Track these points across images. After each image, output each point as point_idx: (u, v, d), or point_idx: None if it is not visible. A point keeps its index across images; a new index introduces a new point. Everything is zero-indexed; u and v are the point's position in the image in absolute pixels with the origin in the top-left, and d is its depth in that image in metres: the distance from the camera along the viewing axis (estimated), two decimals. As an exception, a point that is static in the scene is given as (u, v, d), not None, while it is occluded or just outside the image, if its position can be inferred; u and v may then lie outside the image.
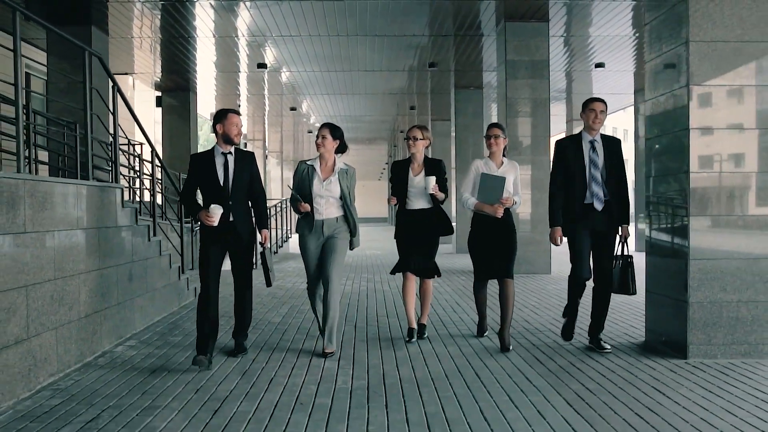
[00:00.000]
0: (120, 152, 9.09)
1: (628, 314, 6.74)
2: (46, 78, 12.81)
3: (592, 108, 5.06)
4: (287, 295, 8.51)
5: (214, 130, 4.86)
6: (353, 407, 3.81)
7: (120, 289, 5.65)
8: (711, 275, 4.91)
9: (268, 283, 5.20)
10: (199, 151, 7.37)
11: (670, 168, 5.18)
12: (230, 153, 4.89)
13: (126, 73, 14.71)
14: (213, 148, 4.89)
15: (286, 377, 4.48)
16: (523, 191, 8.18)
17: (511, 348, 5.23)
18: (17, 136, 4.25)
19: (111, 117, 6.15)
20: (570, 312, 5.33)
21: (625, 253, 5.12)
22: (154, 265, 6.62)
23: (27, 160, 7.10)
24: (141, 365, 4.83)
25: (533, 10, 10.21)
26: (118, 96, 6.20)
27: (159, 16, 10.55)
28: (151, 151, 7.58)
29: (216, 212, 4.66)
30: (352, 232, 5.26)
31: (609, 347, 5.20)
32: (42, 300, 4.29)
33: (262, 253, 5.15)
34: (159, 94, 16.48)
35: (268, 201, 6.19)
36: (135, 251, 6.07)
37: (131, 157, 10.93)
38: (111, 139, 6.39)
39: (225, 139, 4.84)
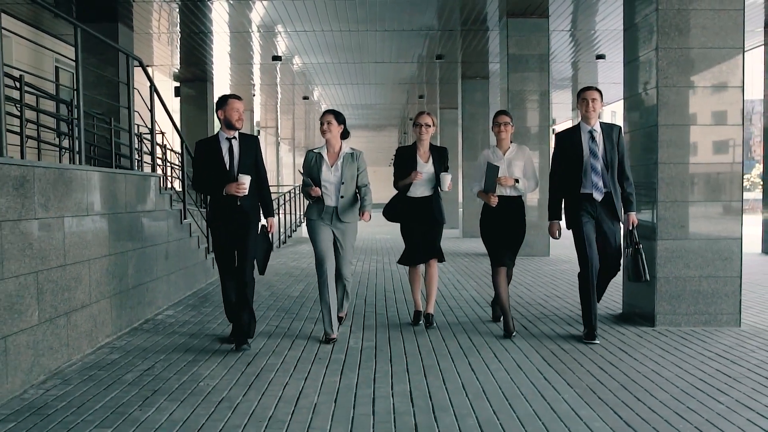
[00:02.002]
0: (145, 142, 9.89)
1: (611, 289, 7.42)
2: (73, 71, 13.62)
3: (584, 97, 5.07)
4: (303, 273, 9.29)
5: (218, 116, 4.89)
6: (363, 361, 4.58)
7: (158, 266, 6.43)
8: (676, 254, 5.61)
9: (262, 271, 5.15)
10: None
11: (642, 159, 5.86)
12: (234, 138, 4.93)
13: (147, 65, 15.45)
14: (217, 134, 4.96)
15: (306, 338, 5.26)
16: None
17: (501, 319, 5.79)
18: (79, 134, 5.01)
19: (150, 114, 6.89)
20: (587, 306, 5.09)
21: (635, 240, 5.09)
22: (186, 245, 7.39)
23: (66, 151, 7.89)
24: (181, 330, 5.61)
25: (534, 7, 10.82)
26: (156, 95, 6.94)
27: (178, 13, 11.26)
28: (182, 144, 8.32)
29: (245, 180, 4.75)
30: (363, 203, 5.28)
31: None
32: (100, 272, 5.07)
33: (269, 244, 5.18)
34: (177, 84, 17.23)
35: (281, 187, 6.74)
36: (170, 233, 6.85)
37: (157, 147, 11.70)
38: (148, 132, 7.12)
39: (227, 124, 4.88)
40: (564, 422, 3.37)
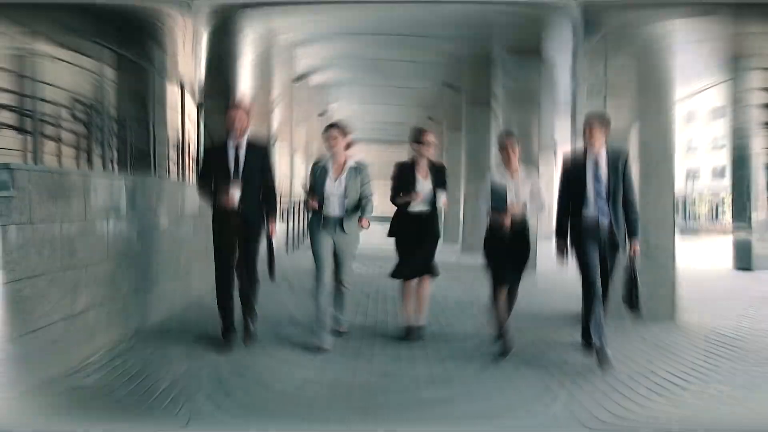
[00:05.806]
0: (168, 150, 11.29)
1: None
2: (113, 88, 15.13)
3: (584, 124, 5.11)
4: (317, 272, 10.71)
5: None
6: (364, 333, 6.02)
7: (203, 258, 7.85)
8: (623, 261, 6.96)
9: (272, 276, 5.44)
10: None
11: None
12: (240, 146, 5.11)
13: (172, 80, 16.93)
14: (226, 141, 5.15)
15: (322, 318, 6.69)
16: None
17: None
18: (154, 154, 6.49)
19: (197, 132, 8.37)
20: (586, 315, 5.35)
21: (633, 269, 5.14)
22: (221, 243, 8.85)
23: (111, 161, 9.33)
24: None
25: (527, 47, 12.20)
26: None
27: (205, 35, 12.65)
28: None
29: (234, 193, 4.99)
30: (363, 211, 5.34)
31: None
32: (164, 260, 6.54)
33: (269, 245, 5.38)
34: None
35: (296, 197, 7.69)
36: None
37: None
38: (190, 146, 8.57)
39: (226, 131, 5.15)
40: (504, 375, 4.78)
